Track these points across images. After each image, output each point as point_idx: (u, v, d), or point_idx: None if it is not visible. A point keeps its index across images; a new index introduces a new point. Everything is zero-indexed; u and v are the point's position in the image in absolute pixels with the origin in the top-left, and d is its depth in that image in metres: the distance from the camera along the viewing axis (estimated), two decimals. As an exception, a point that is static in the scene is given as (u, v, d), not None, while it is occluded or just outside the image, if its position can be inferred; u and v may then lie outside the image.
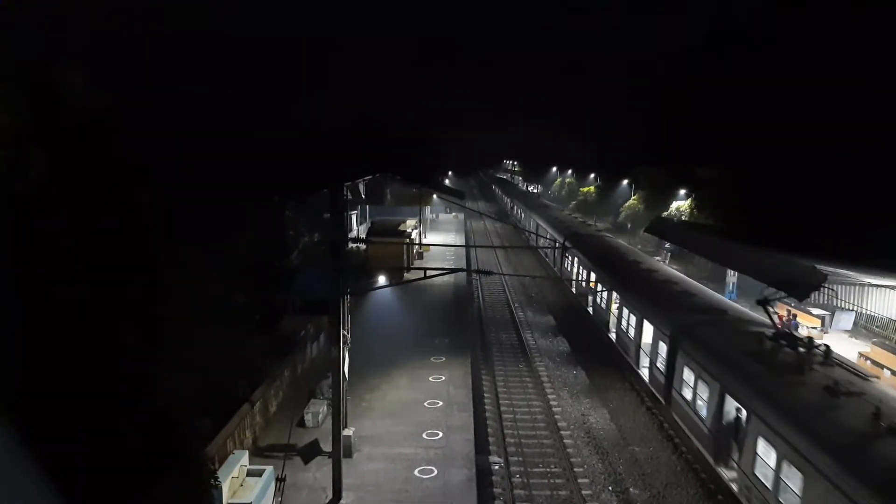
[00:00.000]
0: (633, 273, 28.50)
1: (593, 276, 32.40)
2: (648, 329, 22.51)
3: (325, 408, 19.48)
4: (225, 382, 15.89)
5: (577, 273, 36.45)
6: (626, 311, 25.50)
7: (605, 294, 29.70)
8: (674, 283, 25.80)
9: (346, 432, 16.79)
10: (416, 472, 16.54)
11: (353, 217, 49.88)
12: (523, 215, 71.46)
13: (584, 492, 17.12)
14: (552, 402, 23.20)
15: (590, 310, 32.98)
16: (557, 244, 42.77)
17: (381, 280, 28.32)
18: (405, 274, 34.88)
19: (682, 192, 56.34)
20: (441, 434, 18.79)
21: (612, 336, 27.91)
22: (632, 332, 24.43)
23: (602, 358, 28.09)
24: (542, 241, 52.75)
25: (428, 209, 63.41)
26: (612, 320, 27.84)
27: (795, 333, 18.86)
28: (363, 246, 35.47)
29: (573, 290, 37.64)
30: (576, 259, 37.44)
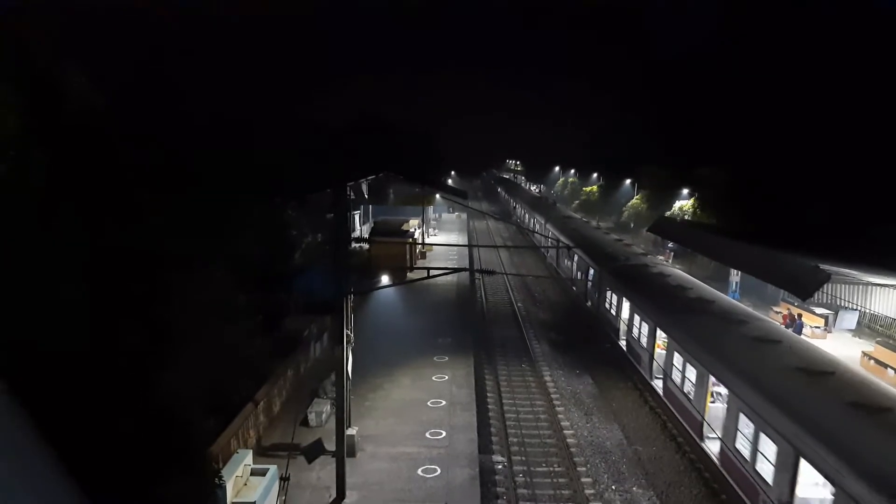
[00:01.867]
0: (743, 350, 17.34)
1: (676, 352, 20.41)
2: (810, 474, 12.52)
3: (329, 407, 19.50)
4: (228, 382, 15.92)
5: (636, 327, 24.99)
6: (749, 424, 15.06)
7: (690, 374, 19.05)
8: (837, 378, 15.03)
9: (350, 431, 16.80)
10: (419, 472, 16.55)
11: (356, 217, 49.96)
12: (537, 224, 59.88)
13: (587, 491, 17.12)
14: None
15: (656, 384, 22.34)
16: (590, 270, 34.36)
17: (385, 280, 28.36)
18: (408, 273, 34.88)
19: (685, 191, 56.27)
20: (444, 433, 18.80)
21: (712, 449, 17.46)
22: (766, 472, 13.99)
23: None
24: (565, 261, 43.16)
25: (431, 209, 63.36)
26: (714, 425, 17.55)
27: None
28: (366, 246, 35.51)
29: (622, 344, 27.18)
30: (626, 304, 26.73)
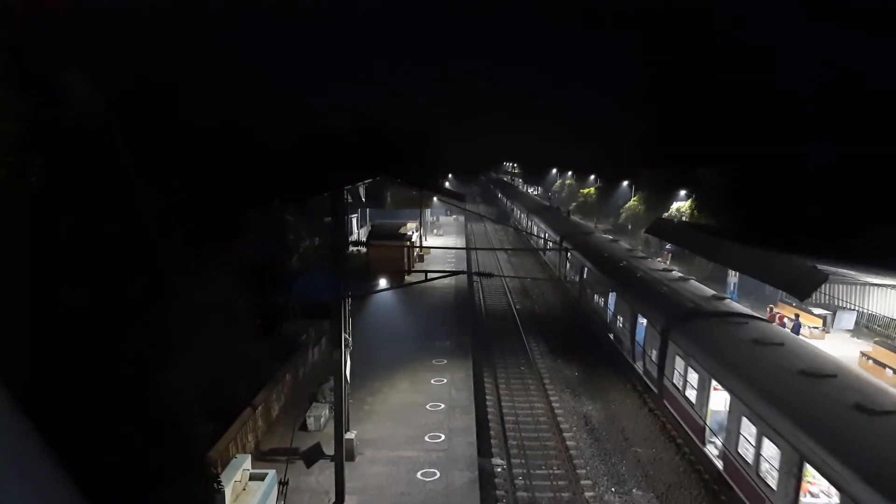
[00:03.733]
0: None
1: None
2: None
3: (327, 411, 19.47)
4: (228, 385, 15.89)
5: (746, 440, 15.05)
6: None
7: None
8: None
9: (349, 436, 16.77)
10: (418, 475, 16.53)
11: (354, 220, 49.93)
12: (550, 242, 48.03)
13: (587, 493, 17.10)
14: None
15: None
16: (641, 321, 24.19)
17: (382, 283, 28.33)
18: (406, 277, 34.86)
19: (683, 192, 56.38)
20: (443, 437, 18.77)
21: None
22: None
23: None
24: (595, 297, 32.16)
25: (428, 212, 63.33)
26: None
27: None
28: (364, 249, 35.48)
29: (711, 454, 17.49)
30: (719, 393, 17.07)
